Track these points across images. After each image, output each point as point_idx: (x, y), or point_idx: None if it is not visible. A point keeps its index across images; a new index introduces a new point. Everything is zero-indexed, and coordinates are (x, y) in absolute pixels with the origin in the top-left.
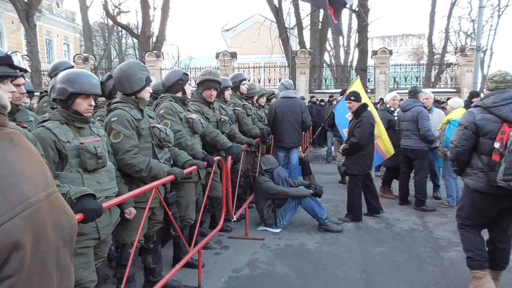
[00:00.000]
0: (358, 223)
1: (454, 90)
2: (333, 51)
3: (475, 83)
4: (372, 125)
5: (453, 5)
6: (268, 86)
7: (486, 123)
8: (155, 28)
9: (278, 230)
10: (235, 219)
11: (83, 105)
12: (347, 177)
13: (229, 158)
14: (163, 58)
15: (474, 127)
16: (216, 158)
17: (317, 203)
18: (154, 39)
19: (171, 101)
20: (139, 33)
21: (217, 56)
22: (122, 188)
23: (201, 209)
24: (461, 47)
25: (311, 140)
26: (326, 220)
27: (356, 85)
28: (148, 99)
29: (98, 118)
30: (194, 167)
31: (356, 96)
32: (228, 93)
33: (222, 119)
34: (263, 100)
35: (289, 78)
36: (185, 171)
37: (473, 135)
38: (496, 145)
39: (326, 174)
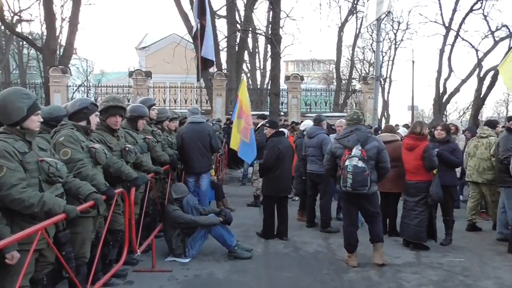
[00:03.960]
0: (267, 248)
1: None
2: (250, 74)
3: (375, 109)
4: (280, 149)
5: (357, 36)
6: (185, 107)
7: (336, 150)
8: (63, 40)
9: (187, 260)
10: (139, 253)
11: None
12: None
13: (133, 190)
14: (71, 74)
15: (331, 153)
16: (118, 190)
17: (226, 231)
18: (61, 52)
19: (72, 129)
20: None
21: (131, 74)
22: (3, 230)
23: (100, 244)
24: (364, 76)
25: (226, 162)
26: (236, 247)
27: (242, 89)
28: (37, 129)
29: None
30: (89, 203)
31: (271, 124)
32: (142, 122)
33: (127, 148)
34: (174, 124)
35: (206, 100)
36: (78, 208)
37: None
38: (341, 164)
39: (241, 197)
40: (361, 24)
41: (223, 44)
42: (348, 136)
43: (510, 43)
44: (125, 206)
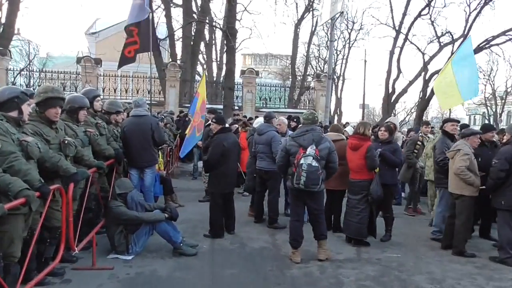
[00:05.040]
0: (214, 244)
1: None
2: (206, 65)
3: (326, 106)
4: (225, 146)
5: (312, 34)
6: (136, 97)
7: (291, 147)
8: (2, 19)
9: (130, 257)
10: (76, 251)
11: None
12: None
13: (71, 185)
14: (11, 57)
15: (285, 150)
16: (54, 186)
17: (172, 227)
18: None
19: (1, 119)
20: None
21: (79, 61)
22: None
23: (33, 241)
24: (317, 74)
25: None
26: (181, 244)
27: (202, 85)
28: None
29: None
30: (19, 200)
31: (217, 119)
32: (83, 113)
33: (66, 141)
34: (121, 117)
35: (159, 91)
36: (7, 206)
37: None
38: (295, 161)
39: (192, 191)
40: (316, 22)
41: (178, 33)
42: (303, 135)
43: (453, 49)
44: (63, 202)
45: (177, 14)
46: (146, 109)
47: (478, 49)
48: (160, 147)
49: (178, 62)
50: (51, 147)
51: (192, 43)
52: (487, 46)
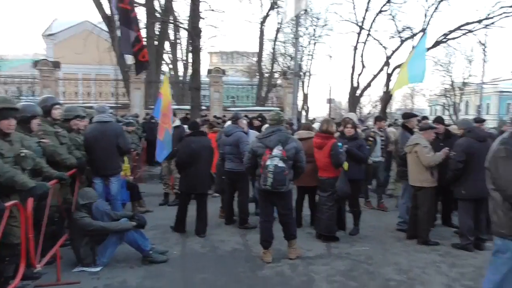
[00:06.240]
0: (184, 249)
1: (279, 109)
2: (172, 65)
3: (294, 104)
4: (192, 148)
5: (278, 31)
6: (100, 101)
7: (257, 149)
8: None
9: (97, 269)
10: (38, 267)
11: None
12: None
13: (30, 200)
14: None
15: (252, 152)
16: (10, 203)
17: (140, 235)
18: None
19: None
20: None
21: (36, 64)
22: None
23: None
24: (284, 71)
25: (145, 159)
26: (151, 252)
27: (165, 86)
28: None
29: None
30: None
31: (189, 125)
32: (36, 123)
33: (23, 154)
34: (83, 123)
35: (123, 93)
36: None
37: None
38: (262, 163)
39: (160, 196)
40: (281, 20)
41: (142, 33)
42: (270, 136)
43: (413, 43)
44: (21, 218)
45: (140, 14)
46: (110, 115)
47: (436, 43)
48: (125, 154)
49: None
50: (5, 160)
51: (156, 43)
52: (444, 40)
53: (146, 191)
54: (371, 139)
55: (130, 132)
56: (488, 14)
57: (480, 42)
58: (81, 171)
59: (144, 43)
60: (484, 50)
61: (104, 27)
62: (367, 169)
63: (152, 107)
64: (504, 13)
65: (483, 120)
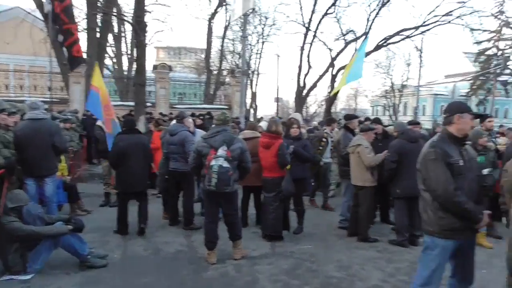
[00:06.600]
0: (126, 252)
1: (227, 107)
2: (116, 59)
3: (241, 102)
4: (120, 146)
5: (226, 28)
6: (34, 95)
7: (202, 149)
8: None
9: (28, 277)
10: None
11: None
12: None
13: None
14: None
15: (197, 152)
16: None
17: (77, 239)
18: None
19: None
20: None
21: None
22: None
23: None
24: (231, 69)
25: (86, 157)
26: (89, 256)
27: (97, 77)
28: None
29: None
30: None
31: (123, 123)
32: None
33: None
34: (12, 120)
35: (62, 88)
36: None
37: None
38: (206, 163)
39: (101, 196)
40: (230, 17)
41: (83, 24)
42: (215, 136)
43: (356, 46)
44: None
45: (80, 3)
46: (44, 112)
47: (377, 47)
48: (62, 154)
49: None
50: None
51: (98, 35)
52: (385, 44)
53: (86, 191)
54: (324, 140)
55: (69, 129)
56: (424, 22)
57: (416, 47)
58: (10, 172)
59: (79, 37)
60: (420, 55)
61: (39, 15)
62: (318, 170)
63: None
64: (437, 21)
65: (418, 123)
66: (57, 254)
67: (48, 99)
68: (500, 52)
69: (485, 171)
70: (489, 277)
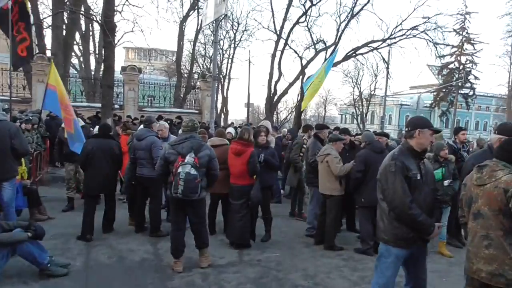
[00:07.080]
0: (88, 260)
1: (197, 112)
2: (83, 59)
3: (212, 107)
4: (88, 149)
5: (198, 32)
6: None
7: (170, 155)
8: None
9: None
10: None
11: None
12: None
13: None
14: None
15: (164, 158)
16: None
17: (37, 246)
18: None
19: None
20: None
21: None
22: None
23: None
24: (202, 74)
25: (48, 159)
26: (49, 265)
27: (54, 75)
28: None
29: None
30: None
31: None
32: None
33: None
34: None
35: (24, 86)
36: None
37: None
38: (173, 170)
39: (63, 201)
40: (201, 21)
41: (48, 21)
42: (182, 143)
43: (326, 55)
44: None
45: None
46: (3, 113)
47: (346, 57)
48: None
49: (48, 54)
50: None
51: (64, 33)
52: (354, 55)
53: (49, 196)
54: (305, 146)
55: (30, 130)
56: (391, 35)
57: (383, 59)
58: None
59: (27, 35)
60: (387, 66)
61: None
62: (300, 177)
63: None
64: (404, 35)
65: (385, 134)
66: (14, 262)
67: (7, 98)
68: (461, 66)
69: (446, 183)
70: (448, 285)
